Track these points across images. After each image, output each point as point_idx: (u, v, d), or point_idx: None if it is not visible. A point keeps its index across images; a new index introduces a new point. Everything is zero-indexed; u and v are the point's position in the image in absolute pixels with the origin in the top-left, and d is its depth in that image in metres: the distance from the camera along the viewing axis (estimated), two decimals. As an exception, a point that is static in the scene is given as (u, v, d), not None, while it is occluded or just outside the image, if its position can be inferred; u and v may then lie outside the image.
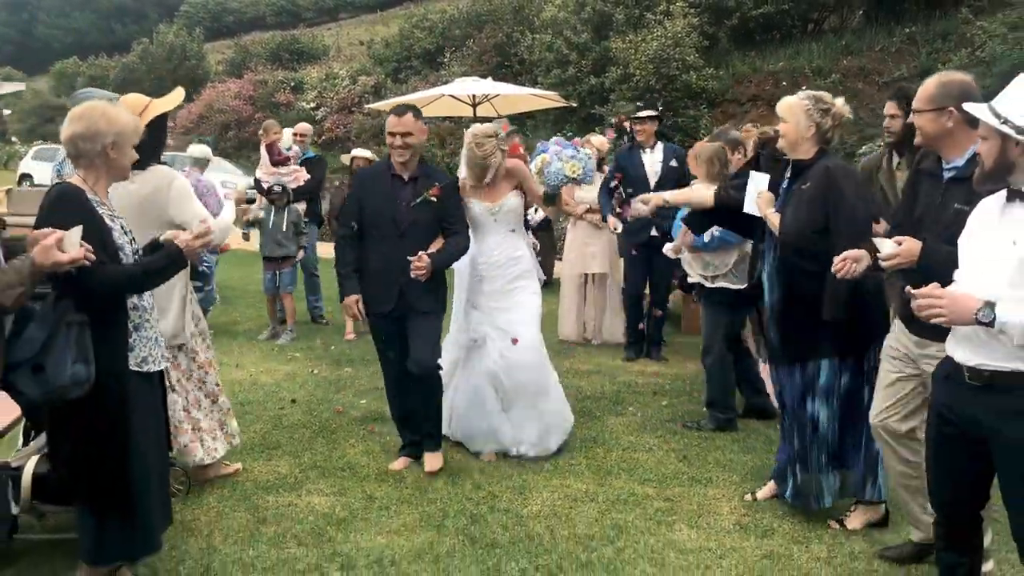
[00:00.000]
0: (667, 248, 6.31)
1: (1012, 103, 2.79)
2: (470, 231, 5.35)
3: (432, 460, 5.16)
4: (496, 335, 5.39)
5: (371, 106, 18.67)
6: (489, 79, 13.64)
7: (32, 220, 3.32)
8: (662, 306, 8.04)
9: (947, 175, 3.51)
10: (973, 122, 3.06)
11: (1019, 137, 2.74)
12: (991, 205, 2.94)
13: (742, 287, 5.71)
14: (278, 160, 9.19)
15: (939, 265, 3.09)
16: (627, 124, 8.60)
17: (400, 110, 5.08)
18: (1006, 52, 16.20)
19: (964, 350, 2.91)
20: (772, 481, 4.71)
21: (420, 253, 4.85)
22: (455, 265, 5.42)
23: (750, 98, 19.99)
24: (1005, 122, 2.75)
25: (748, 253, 5.61)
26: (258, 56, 37.20)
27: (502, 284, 5.45)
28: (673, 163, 7.77)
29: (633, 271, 8.03)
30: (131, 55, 39.58)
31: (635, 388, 7.02)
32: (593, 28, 20.66)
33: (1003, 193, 2.90)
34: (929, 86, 3.58)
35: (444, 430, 5.46)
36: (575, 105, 17.96)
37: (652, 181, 7.65)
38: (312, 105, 29.44)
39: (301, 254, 8.99)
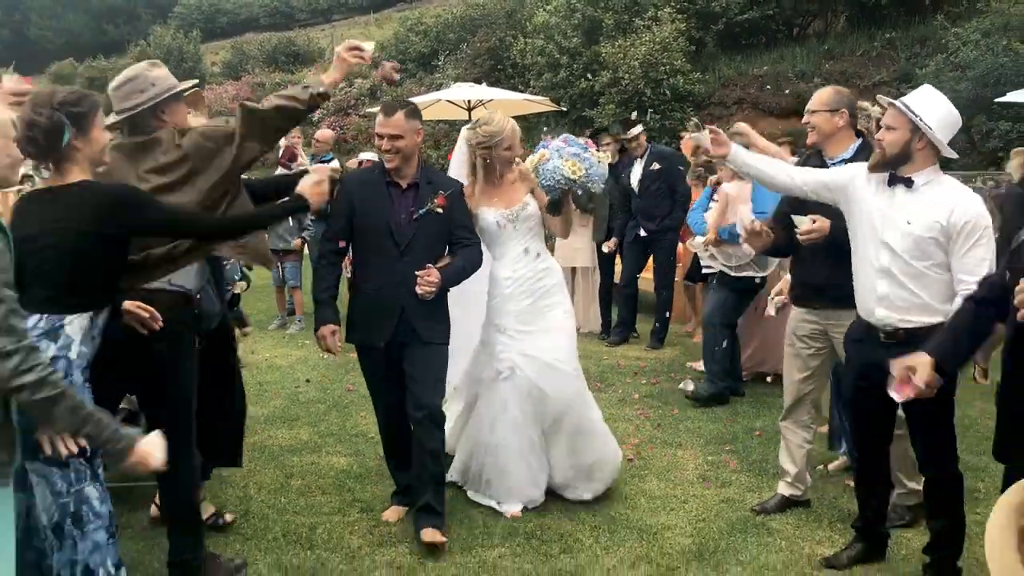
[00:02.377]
0: (697, 241, 6.96)
1: (920, 105, 3.49)
2: (484, 246, 4.65)
3: (431, 533, 4.16)
4: (525, 363, 4.59)
5: (370, 110, 19.30)
6: (484, 84, 14.35)
7: None
8: (668, 288, 8.70)
9: (833, 166, 4.19)
10: (854, 126, 4.11)
11: (928, 132, 3.45)
12: (871, 184, 3.63)
13: (764, 275, 6.42)
14: (283, 162, 9.78)
15: (844, 237, 3.80)
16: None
17: (389, 108, 4.29)
18: (979, 57, 16.85)
19: (882, 310, 3.59)
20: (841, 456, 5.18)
21: (428, 266, 4.19)
22: (464, 290, 4.66)
23: (736, 101, 20.58)
24: (916, 116, 3.46)
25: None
26: (254, 58, 37.70)
27: (531, 302, 4.67)
28: (655, 166, 8.47)
29: (629, 260, 8.73)
30: (128, 56, 40.11)
31: (617, 369, 7.70)
32: (584, 33, 21.26)
33: (881, 176, 3.62)
34: (825, 93, 4.29)
35: (458, 481, 4.86)
36: (565, 109, 18.62)
37: (636, 185, 8.42)
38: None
39: (297, 242, 9.50)
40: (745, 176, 4.93)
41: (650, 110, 17.32)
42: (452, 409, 5.02)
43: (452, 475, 4.83)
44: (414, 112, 4.32)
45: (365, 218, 4.27)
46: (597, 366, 7.73)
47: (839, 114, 4.19)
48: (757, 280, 6.49)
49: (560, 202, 4.70)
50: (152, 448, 2.80)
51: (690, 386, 6.69)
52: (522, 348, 4.61)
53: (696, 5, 20.80)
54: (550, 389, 4.57)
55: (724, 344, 6.51)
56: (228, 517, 4.38)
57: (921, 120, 3.45)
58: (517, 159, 4.72)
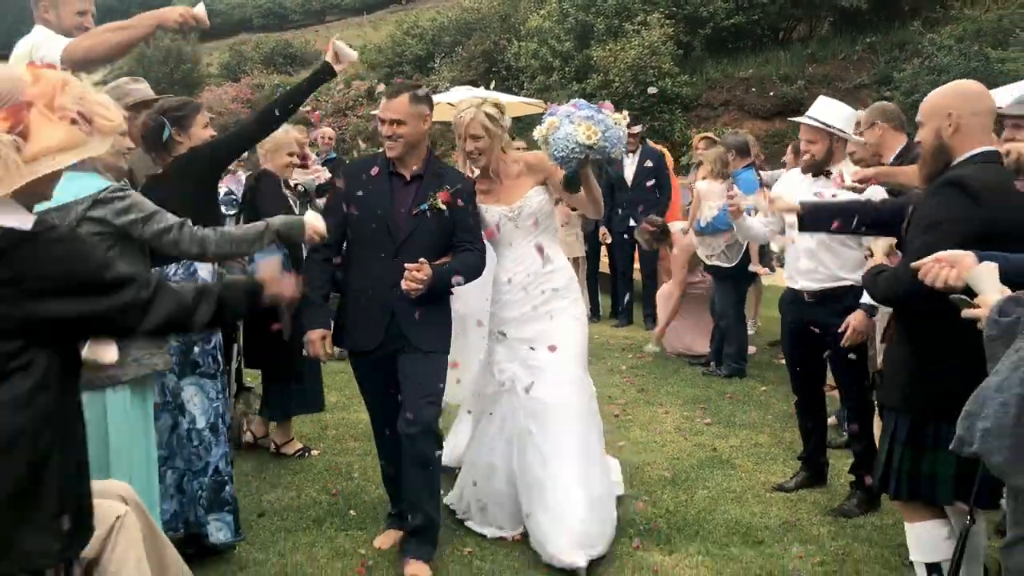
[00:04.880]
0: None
1: (825, 112, 4.37)
2: (489, 245, 4.27)
3: (416, 567, 3.82)
4: (523, 374, 4.15)
5: (375, 112, 20.00)
6: (481, 88, 15.16)
7: None
8: (653, 276, 9.50)
9: None
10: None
11: (842, 134, 4.30)
12: (797, 182, 4.49)
13: (730, 266, 7.20)
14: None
15: None
16: None
17: (393, 90, 3.90)
18: (952, 62, 17.67)
19: (803, 281, 4.52)
20: None
21: (421, 260, 3.70)
22: (468, 299, 4.53)
23: (722, 103, 21.36)
24: (829, 127, 4.32)
25: (737, 240, 7.07)
26: (252, 60, 38.30)
27: (533, 308, 4.22)
28: (648, 164, 9.28)
29: (621, 253, 9.53)
30: (126, 57, 40.60)
31: (607, 346, 8.53)
32: (576, 37, 21.99)
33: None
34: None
35: (458, 511, 4.42)
36: (558, 110, 19.40)
37: (629, 179, 9.23)
38: (308, 108, 30.73)
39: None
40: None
41: (639, 115, 18.10)
42: (461, 430, 4.88)
43: (449, 500, 4.47)
44: (422, 97, 3.89)
45: (362, 209, 3.88)
46: (590, 344, 8.51)
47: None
48: (754, 270, 7.37)
49: (577, 177, 4.10)
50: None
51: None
52: (522, 357, 4.19)
53: (684, 10, 21.56)
54: (552, 403, 4.07)
55: (739, 330, 7.37)
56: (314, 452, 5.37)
57: (835, 127, 4.33)
58: (518, 148, 4.25)
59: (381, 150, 3.97)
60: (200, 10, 3.90)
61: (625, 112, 4.10)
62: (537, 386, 4.09)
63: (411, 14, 36.62)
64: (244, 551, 3.99)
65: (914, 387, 3.03)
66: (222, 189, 8.76)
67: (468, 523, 4.32)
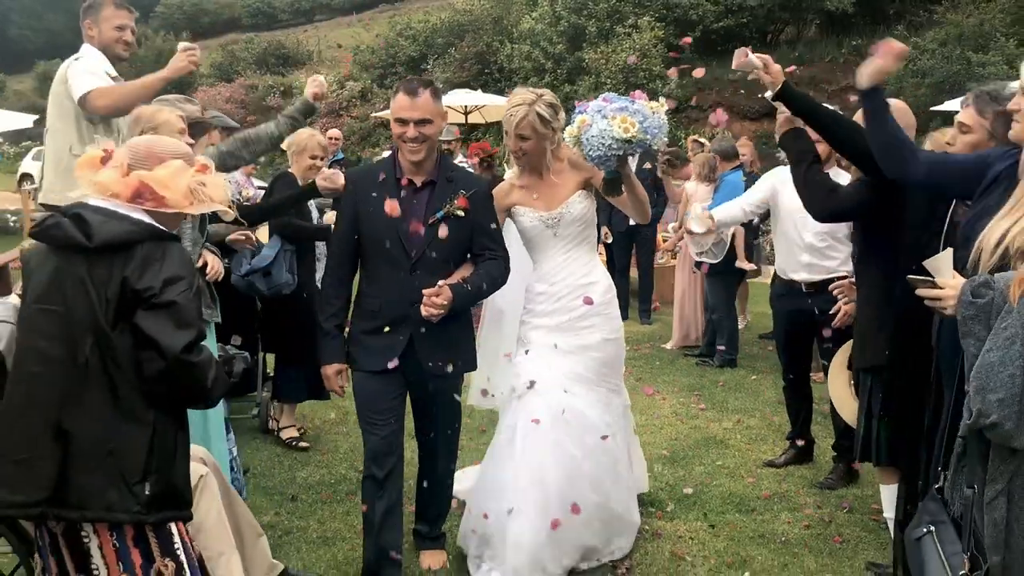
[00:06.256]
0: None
1: None
2: (528, 252, 4.04)
3: (432, 557, 3.92)
4: (552, 379, 3.84)
5: (377, 114, 20.32)
6: (479, 91, 15.59)
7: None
8: (649, 274, 9.93)
9: None
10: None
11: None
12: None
13: (714, 262, 7.66)
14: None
15: None
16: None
17: (411, 86, 3.51)
18: (935, 65, 18.15)
19: (801, 274, 4.96)
20: None
21: (440, 283, 3.45)
22: (506, 292, 4.03)
23: (711, 104, 21.74)
24: None
25: (723, 238, 7.54)
26: (244, 60, 38.50)
27: (567, 320, 3.93)
28: (647, 165, 9.66)
29: (620, 252, 9.94)
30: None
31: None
32: (568, 39, 22.40)
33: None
34: None
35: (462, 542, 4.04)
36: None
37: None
38: (302, 108, 31.11)
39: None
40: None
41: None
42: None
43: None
44: (439, 92, 3.62)
45: (372, 223, 3.56)
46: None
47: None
48: (740, 266, 7.80)
49: (619, 177, 3.77)
50: None
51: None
52: (549, 363, 3.88)
53: (674, 13, 22.05)
54: (575, 413, 3.82)
55: (730, 323, 7.78)
56: (304, 444, 5.57)
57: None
58: (560, 139, 3.88)
59: (386, 155, 3.76)
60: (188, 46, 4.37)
61: (662, 99, 3.73)
62: (558, 394, 3.81)
63: (403, 15, 36.94)
64: (286, 519, 4.40)
65: (877, 341, 3.48)
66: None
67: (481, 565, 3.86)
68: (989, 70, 16.45)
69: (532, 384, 3.83)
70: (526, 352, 3.95)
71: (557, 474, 3.73)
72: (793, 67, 4.67)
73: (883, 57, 3.04)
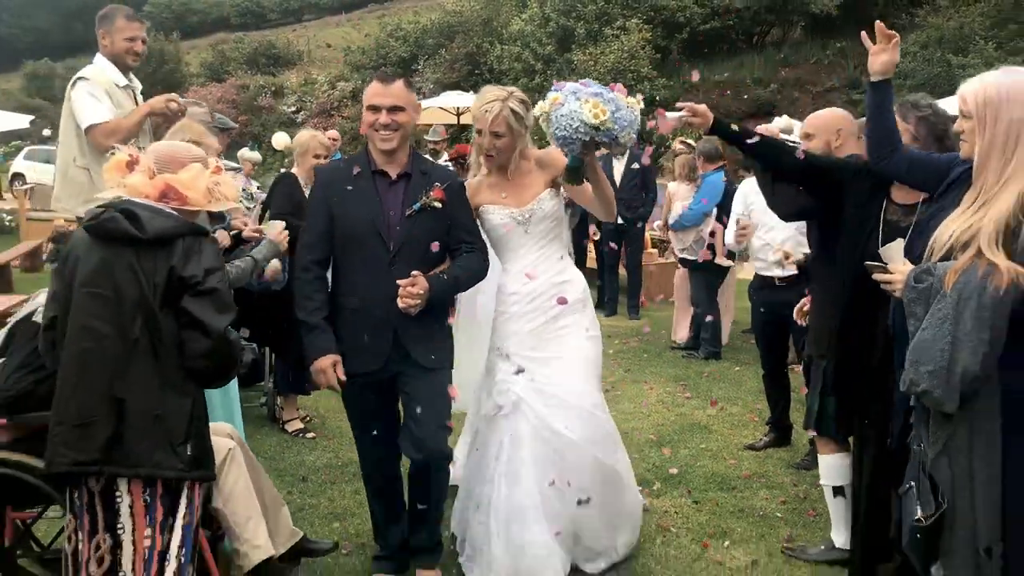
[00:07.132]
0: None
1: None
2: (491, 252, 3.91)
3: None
4: (534, 399, 3.76)
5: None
6: (471, 93, 15.91)
7: (52, 215, 5.19)
8: (637, 270, 10.27)
9: None
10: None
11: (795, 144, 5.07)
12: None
13: (694, 259, 7.97)
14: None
15: None
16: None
17: (386, 76, 3.55)
18: (917, 68, 18.53)
19: (776, 269, 5.30)
20: None
21: (415, 273, 3.40)
22: (466, 308, 4.25)
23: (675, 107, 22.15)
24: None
25: (703, 235, 7.89)
26: (235, 60, 38.65)
27: (542, 323, 3.85)
28: (635, 165, 9.97)
29: (611, 251, 10.27)
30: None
31: (596, 334, 9.26)
32: (557, 41, 22.76)
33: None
34: None
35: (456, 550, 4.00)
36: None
37: (618, 180, 9.95)
38: (293, 109, 31.40)
39: None
40: None
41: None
42: (462, 441, 4.62)
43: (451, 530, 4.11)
44: (413, 84, 3.68)
45: (346, 218, 3.53)
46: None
47: None
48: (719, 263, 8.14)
49: (581, 166, 3.65)
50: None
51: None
52: (529, 377, 3.79)
53: (662, 15, 22.39)
54: (564, 429, 3.72)
55: (709, 318, 8.06)
56: (310, 435, 5.87)
57: (789, 138, 5.09)
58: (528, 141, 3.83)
59: (360, 149, 3.74)
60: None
61: (639, 96, 3.70)
62: (544, 411, 3.73)
63: (392, 15, 37.23)
64: (298, 497, 4.70)
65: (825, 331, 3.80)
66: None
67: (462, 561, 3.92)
68: (969, 72, 16.68)
69: (517, 405, 3.76)
70: (509, 366, 3.83)
71: (543, 484, 3.70)
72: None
73: (892, 52, 3.18)
